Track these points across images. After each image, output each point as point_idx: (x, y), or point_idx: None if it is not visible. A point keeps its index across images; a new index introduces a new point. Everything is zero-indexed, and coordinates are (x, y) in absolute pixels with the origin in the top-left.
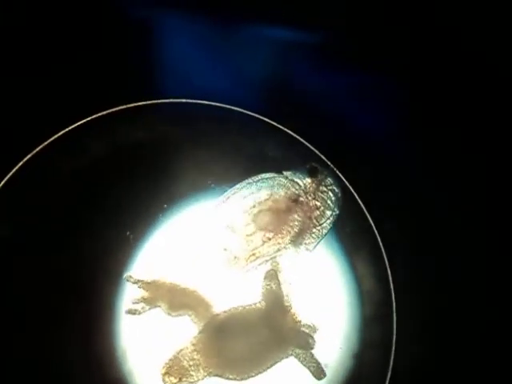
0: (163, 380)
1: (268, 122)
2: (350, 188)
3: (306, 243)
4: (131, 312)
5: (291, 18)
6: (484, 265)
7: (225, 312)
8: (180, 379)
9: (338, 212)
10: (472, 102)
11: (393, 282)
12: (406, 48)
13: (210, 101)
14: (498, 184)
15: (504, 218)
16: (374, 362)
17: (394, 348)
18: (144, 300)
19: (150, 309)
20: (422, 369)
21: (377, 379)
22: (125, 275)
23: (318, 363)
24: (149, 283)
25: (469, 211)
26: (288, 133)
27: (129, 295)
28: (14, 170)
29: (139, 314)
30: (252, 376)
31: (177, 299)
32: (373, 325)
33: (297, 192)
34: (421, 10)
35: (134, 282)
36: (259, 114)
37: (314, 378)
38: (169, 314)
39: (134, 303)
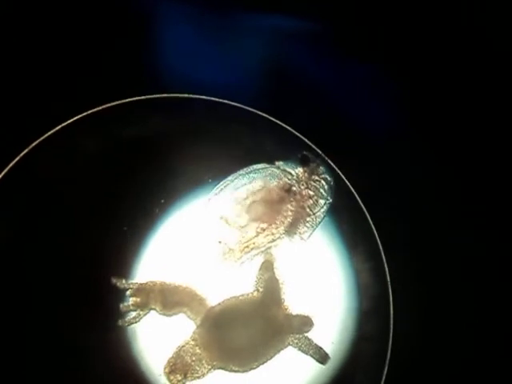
0: (168, 379)
1: (265, 117)
2: (347, 183)
3: (300, 233)
4: (127, 323)
5: (291, 9)
6: (483, 261)
7: (219, 304)
8: (185, 376)
9: (331, 200)
10: (473, 99)
11: (390, 277)
12: (407, 40)
13: (206, 95)
14: (499, 183)
15: (504, 216)
16: (371, 355)
17: (390, 342)
18: (137, 306)
19: (145, 314)
20: (418, 362)
21: (373, 373)
22: (113, 281)
23: (320, 347)
24: (138, 288)
25: (469, 207)
26: (285, 127)
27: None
28: (7, 167)
29: (136, 322)
30: (254, 368)
31: (169, 299)
32: (369, 319)
33: (289, 182)
34: (422, 3)
35: (123, 288)
36: (256, 108)
37: (318, 364)
38: (164, 314)
39: (126, 312)
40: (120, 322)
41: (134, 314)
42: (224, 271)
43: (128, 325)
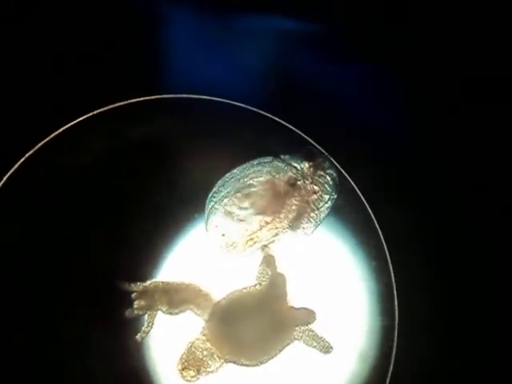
0: (182, 375)
1: (269, 117)
2: (351, 181)
3: (303, 227)
4: (143, 335)
5: (293, 10)
6: (485, 250)
7: (224, 298)
8: (198, 371)
9: (335, 196)
10: (475, 98)
11: (394, 275)
12: (408, 40)
13: (211, 96)
14: (499, 182)
15: (504, 216)
16: (375, 353)
17: (395, 341)
18: (143, 309)
19: (154, 317)
20: (425, 358)
21: (378, 370)
22: (117, 284)
23: (323, 338)
24: (142, 291)
25: (470, 207)
26: (289, 127)
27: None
28: (13, 168)
29: (150, 329)
30: (264, 361)
31: (174, 297)
32: (373, 317)
33: (294, 176)
34: (423, 2)
35: (127, 292)
36: (260, 108)
37: (322, 354)
38: (170, 313)
39: (133, 316)
40: (138, 338)
41: (145, 323)
42: (227, 264)
43: (145, 336)
